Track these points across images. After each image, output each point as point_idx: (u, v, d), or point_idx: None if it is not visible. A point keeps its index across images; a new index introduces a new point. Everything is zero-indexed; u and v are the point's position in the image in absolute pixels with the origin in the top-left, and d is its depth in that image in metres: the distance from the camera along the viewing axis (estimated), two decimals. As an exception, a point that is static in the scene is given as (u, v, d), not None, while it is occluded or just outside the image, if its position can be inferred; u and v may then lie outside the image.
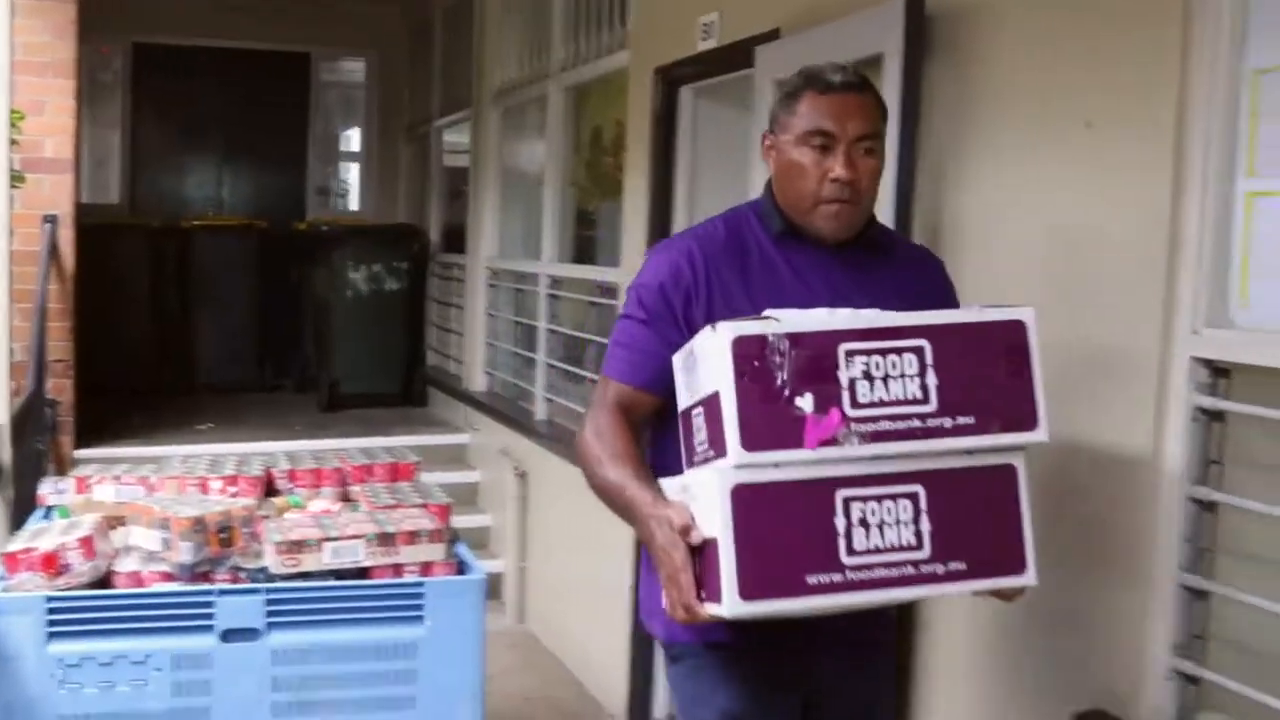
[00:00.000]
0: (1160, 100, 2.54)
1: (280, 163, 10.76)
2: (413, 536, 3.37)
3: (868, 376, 2.02)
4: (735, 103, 4.57)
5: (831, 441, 1.99)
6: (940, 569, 2.05)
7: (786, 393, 1.98)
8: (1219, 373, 2.47)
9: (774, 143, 2.44)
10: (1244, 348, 2.41)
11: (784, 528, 1.98)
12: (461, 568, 3.48)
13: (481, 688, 3.41)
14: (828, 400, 2.00)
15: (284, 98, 10.63)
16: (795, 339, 2.00)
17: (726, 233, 2.45)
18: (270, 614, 3.23)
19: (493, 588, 6.28)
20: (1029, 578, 2.12)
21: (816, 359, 2.00)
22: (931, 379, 2.05)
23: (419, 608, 3.33)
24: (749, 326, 2.01)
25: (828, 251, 2.41)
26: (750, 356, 1.98)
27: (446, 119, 8.90)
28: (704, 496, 2.02)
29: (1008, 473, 2.11)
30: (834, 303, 2.21)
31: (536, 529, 6.30)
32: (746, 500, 1.97)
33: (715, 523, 1.97)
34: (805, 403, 1.99)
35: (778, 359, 1.99)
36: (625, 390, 2.39)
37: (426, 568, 3.38)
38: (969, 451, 2.08)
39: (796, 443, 1.98)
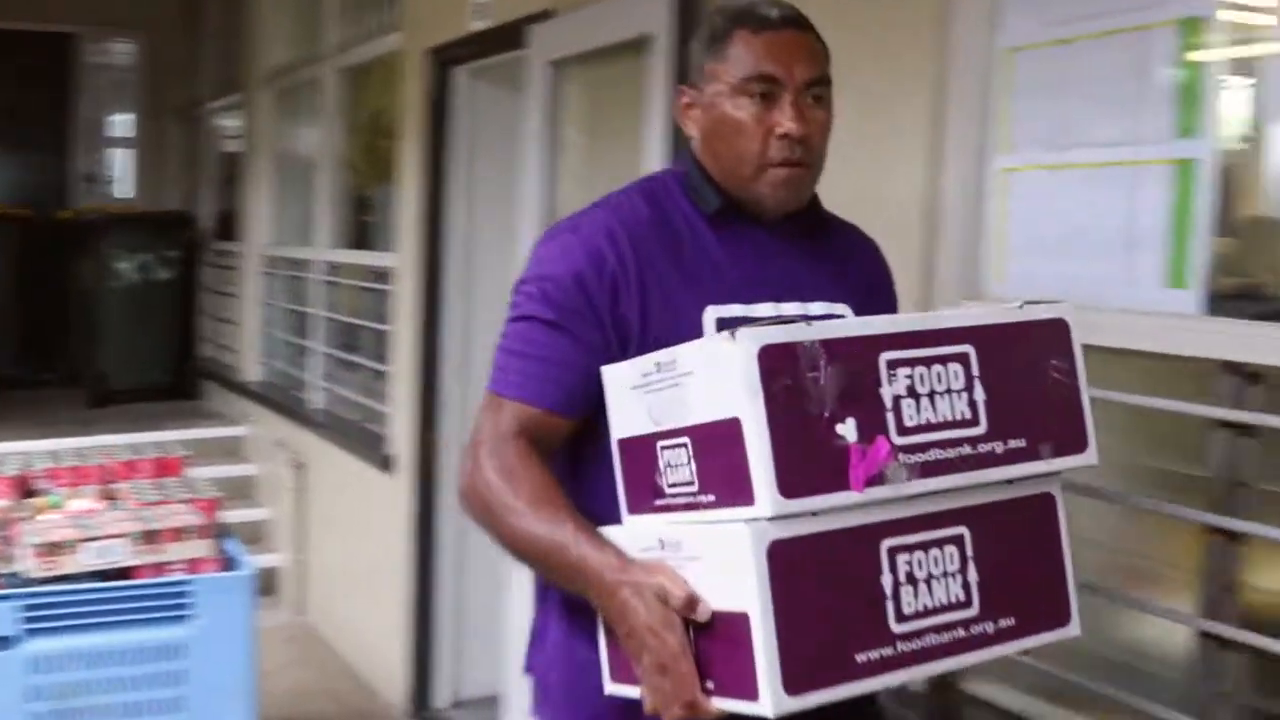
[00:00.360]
0: (918, 77, 2.58)
1: (44, 149, 10.34)
2: (178, 533, 3.27)
3: (912, 393, 1.61)
4: (510, 84, 4.53)
5: (879, 479, 1.57)
6: (990, 628, 1.67)
7: (826, 418, 1.54)
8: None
9: (696, 99, 1.94)
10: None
11: (827, 593, 1.55)
12: (231, 563, 3.38)
13: (254, 685, 3.32)
14: (872, 425, 1.57)
15: (47, 81, 10.22)
16: (831, 347, 1.56)
17: (649, 208, 1.92)
18: (28, 620, 3.10)
19: (270, 582, 6.18)
20: (1074, 628, 1.77)
21: (856, 373, 1.57)
22: (979, 394, 1.66)
23: (186, 606, 3.24)
24: (775, 333, 1.53)
25: (768, 232, 1.93)
26: (780, 372, 1.52)
27: (219, 102, 8.65)
28: (716, 556, 1.56)
29: (1047, 503, 1.76)
30: (781, 298, 1.89)
31: (315, 521, 6.18)
32: (786, 561, 1.51)
33: (740, 592, 1.52)
34: (847, 430, 1.55)
35: (812, 374, 1.54)
36: (532, 414, 1.81)
37: (194, 564, 3.27)
38: (1009, 481, 1.71)
39: (840, 483, 1.54)
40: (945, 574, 1.63)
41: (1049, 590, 1.75)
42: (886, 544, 1.59)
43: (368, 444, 5.45)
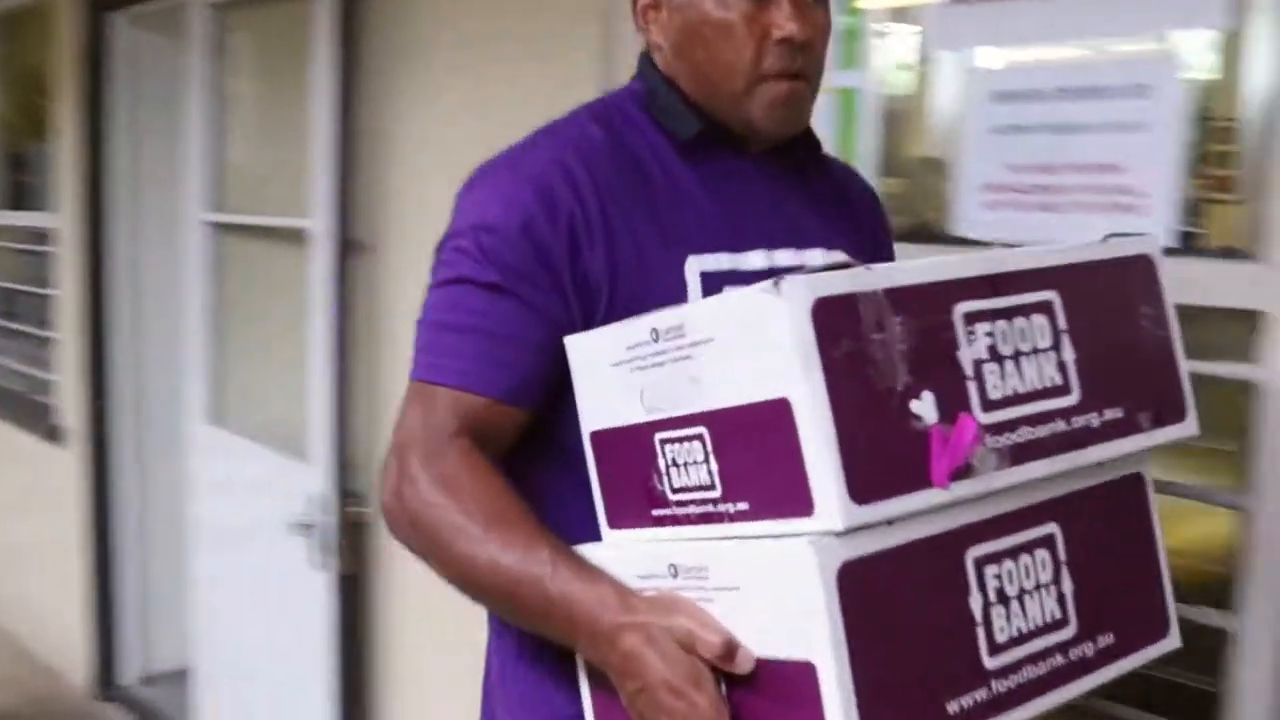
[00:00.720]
0: (588, 16, 2.56)
1: None
2: None
3: (995, 356, 1.25)
4: (173, 31, 4.32)
5: (965, 470, 1.19)
6: (1090, 650, 1.34)
7: (899, 392, 1.17)
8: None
9: None
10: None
11: (909, 627, 1.18)
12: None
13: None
14: (953, 399, 1.20)
15: None
16: (898, 298, 1.18)
17: (605, 134, 1.50)
18: None
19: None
20: (1174, 638, 1.45)
21: (930, 332, 1.20)
22: (1068, 353, 1.31)
23: None
24: (830, 281, 1.14)
25: (752, 163, 1.55)
26: (839, 333, 1.13)
27: None
28: (761, 586, 1.18)
29: (1136, 486, 1.43)
30: (773, 244, 1.51)
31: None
32: (860, 588, 1.13)
33: (802, 634, 1.14)
34: (925, 408, 1.18)
35: (878, 335, 1.16)
36: (475, 405, 1.39)
37: None
38: (1099, 462, 1.36)
39: (920, 478, 1.17)
40: (1038, 586, 1.29)
41: (1144, 594, 1.43)
42: (972, 554, 1.23)
43: (34, 415, 5.18)
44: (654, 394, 1.27)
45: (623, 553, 1.31)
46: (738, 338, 1.18)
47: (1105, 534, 1.38)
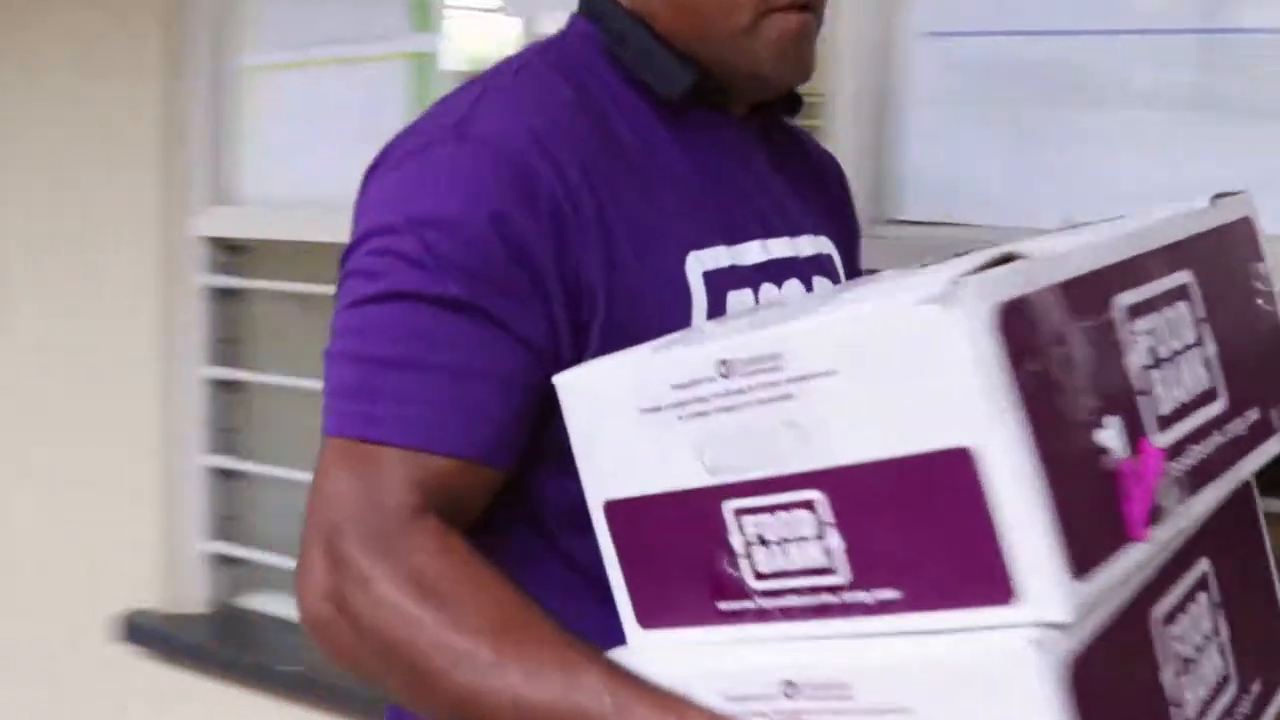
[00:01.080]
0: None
1: None
2: None
3: (1156, 360, 0.96)
4: None
5: (1158, 513, 0.89)
6: (1248, 707, 1.06)
7: (1086, 422, 0.85)
8: (233, 250, 2.48)
9: None
10: (254, 223, 2.43)
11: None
12: None
13: None
14: (1131, 422, 0.89)
15: None
16: (1070, 294, 0.87)
17: (574, 94, 1.12)
18: None
19: None
20: None
21: (1099, 334, 0.89)
22: (1210, 347, 1.04)
23: None
24: (1006, 280, 0.82)
25: (736, 128, 1.23)
26: (1023, 351, 0.81)
27: None
28: (942, 703, 0.82)
29: (1247, 496, 1.15)
30: (769, 231, 1.20)
31: None
32: (1088, 690, 0.81)
33: None
34: (1112, 437, 0.86)
35: (1059, 348, 0.84)
36: (440, 469, 1.00)
37: None
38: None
39: (1117, 533, 0.85)
40: (1205, 639, 1.00)
41: (1269, 621, 1.17)
42: (1155, 614, 0.93)
43: None
44: (723, 449, 0.92)
45: (685, 663, 0.94)
46: (879, 368, 0.83)
47: (1237, 560, 1.11)
